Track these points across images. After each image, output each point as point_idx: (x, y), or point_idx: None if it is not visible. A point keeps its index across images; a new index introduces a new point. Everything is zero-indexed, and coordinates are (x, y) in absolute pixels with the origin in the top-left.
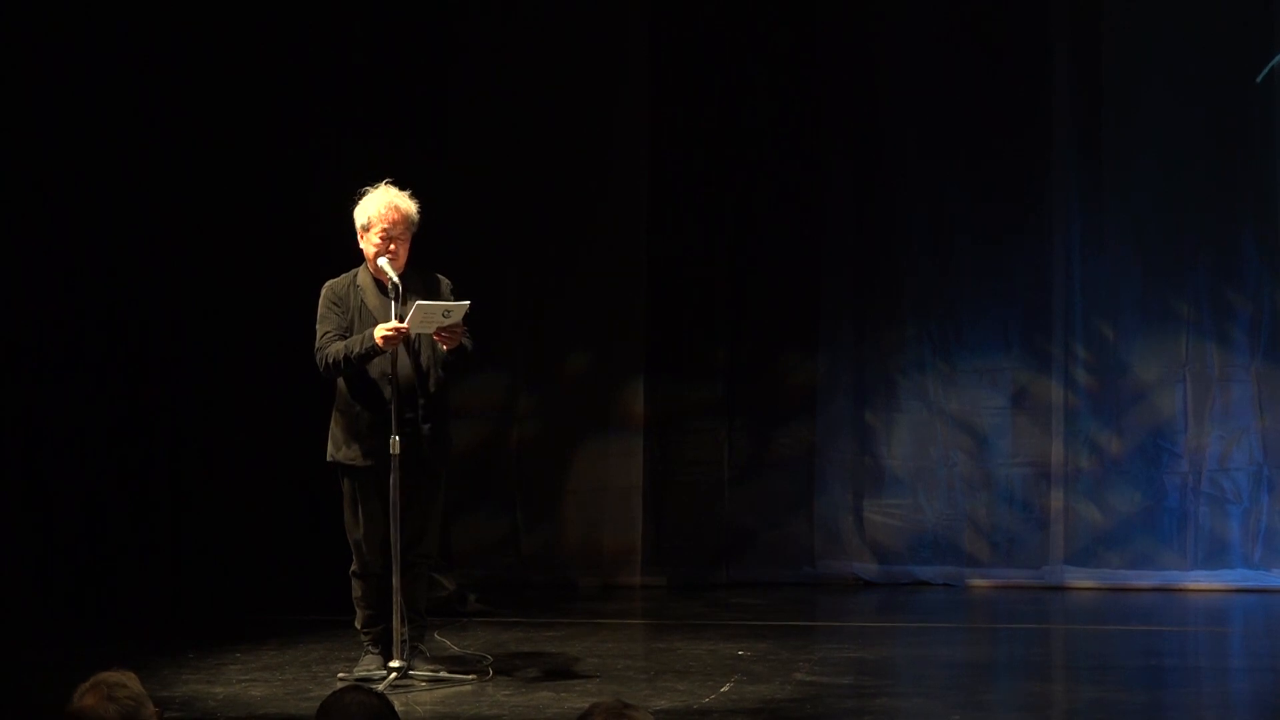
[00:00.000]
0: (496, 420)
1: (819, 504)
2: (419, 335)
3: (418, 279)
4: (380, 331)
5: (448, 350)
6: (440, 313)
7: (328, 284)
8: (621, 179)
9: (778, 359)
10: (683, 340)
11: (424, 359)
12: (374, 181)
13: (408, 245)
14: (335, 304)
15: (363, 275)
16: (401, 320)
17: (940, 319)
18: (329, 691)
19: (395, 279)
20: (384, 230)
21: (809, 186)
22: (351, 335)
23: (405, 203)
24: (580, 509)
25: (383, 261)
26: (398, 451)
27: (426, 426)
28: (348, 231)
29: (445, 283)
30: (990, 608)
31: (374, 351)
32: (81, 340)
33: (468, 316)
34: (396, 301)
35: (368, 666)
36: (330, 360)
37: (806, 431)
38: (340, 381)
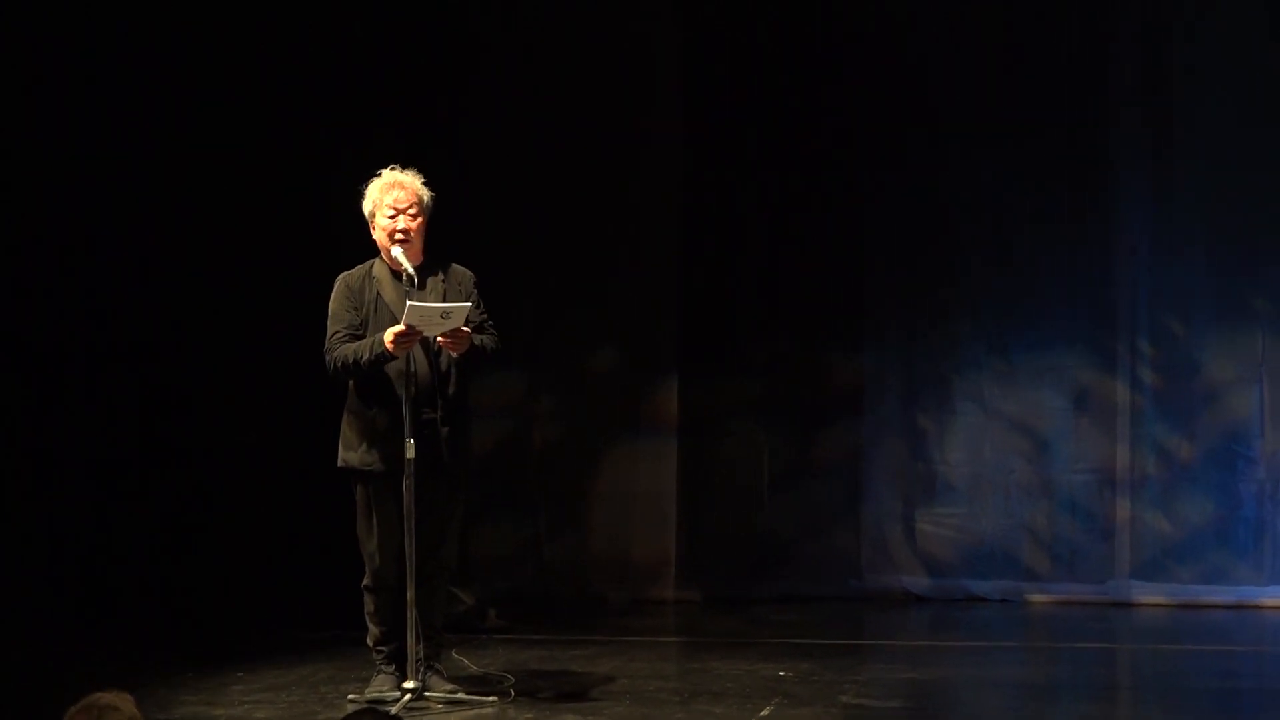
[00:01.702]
0: (516, 421)
1: (866, 512)
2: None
3: (437, 269)
4: (390, 336)
5: (456, 352)
6: (438, 314)
7: (341, 277)
8: (653, 165)
9: (821, 356)
10: (719, 335)
11: (443, 358)
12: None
13: (422, 227)
14: (348, 299)
15: (378, 267)
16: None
17: (996, 314)
18: (339, 714)
19: (410, 269)
20: (391, 206)
21: (852, 173)
22: (366, 331)
23: (411, 178)
24: (608, 517)
25: (397, 251)
26: (413, 455)
27: (445, 429)
28: (361, 232)
29: (467, 274)
30: (1051, 625)
31: (385, 357)
32: (76, 343)
33: (490, 307)
34: (414, 292)
35: (380, 687)
36: (340, 364)
37: (852, 434)
38: (352, 384)
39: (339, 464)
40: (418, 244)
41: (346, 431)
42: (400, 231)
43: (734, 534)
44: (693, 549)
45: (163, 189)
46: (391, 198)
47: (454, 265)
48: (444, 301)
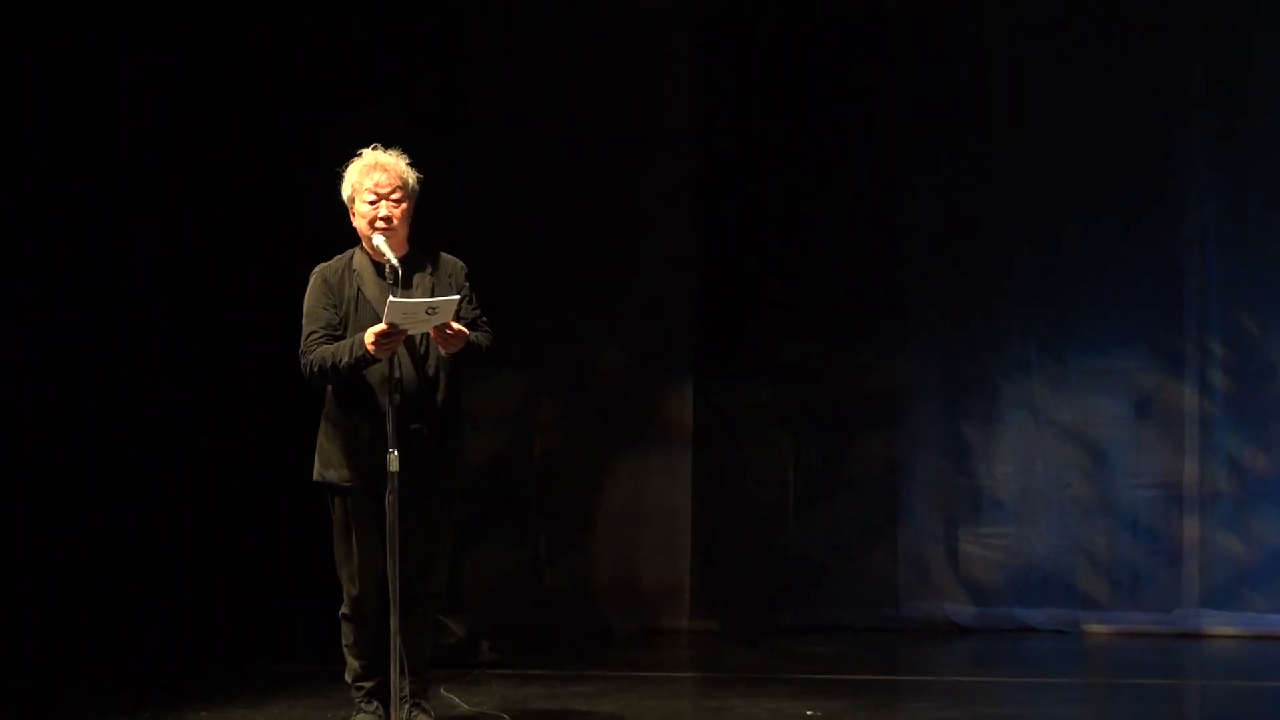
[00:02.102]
0: (514, 430)
1: (903, 532)
2: (425, 333)
3: (424, 260)
4: (370, 336)
5: (447, 351)
6: (423, 310)
7: (317, 270)
8: (665, 154)
9: (852, 358)
10: (739, 335)
11: (432, 360)
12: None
13: (406, 213)
14: (326, 295)
15: (359, 258)
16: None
17: (1048, 311)
18: None
19: (394, 260)
20: (372, 191)
21: (885, 162)
22: (346, 331)
23: (394, 160)
24: (615, 537)
25: (379, 240)
26: (397, 469)
27: (434, 440)
28: (343, 220)
29: (457, 265)
30: (1110, 659)
31: (366, 360)
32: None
33: (486, 302)
34: (396, 288)
35: None
36: (316, 367)
37: (887, 444)
38: (330, 389)
39: (315, 478)
40: (402, 232)
41: (324, 442)
42: (382, 219)
43: (756, 556)
44: (710, 573)
45: (135, 178)
46: (372, 181)
47: (443, 255)
48: (431, 294)
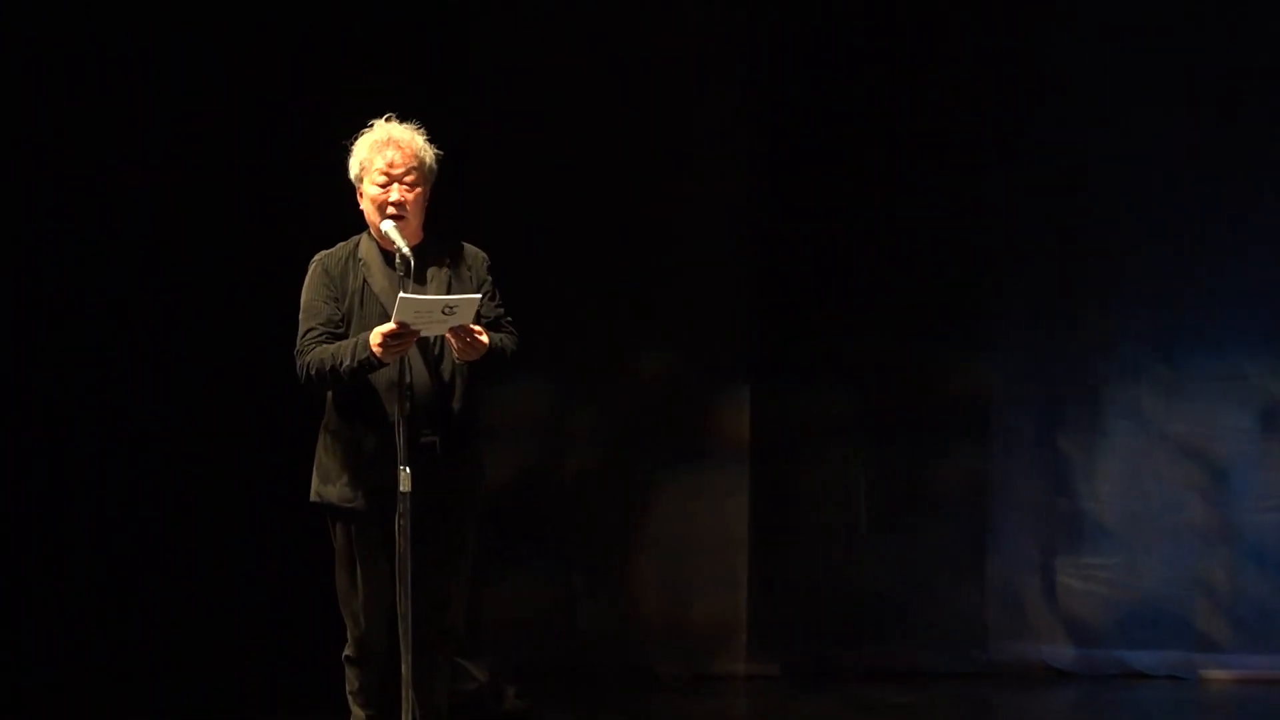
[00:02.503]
0: (543, 444)
1: (993, 563)
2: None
3: (441, 250)
4: (378, 337)
5: (464, 359)
6: (440, 308)
7: (317, 258)
8: (718, 127)
9: (934, 361)
10: (803, 335)
11: (446, 363)
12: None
13: (422, 197)
14: (326, 287)
15: (365, 245)
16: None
17: (1161, 309)
18: None
19: (405, 249)
20: (383, 172)
21: (971, 138)
22: (349, 329)
23: (409, 135)
24: (661, 568)
25: (388, 226)
26: (408, 489)
27: (450, 455)
28: (350, 202)
29: (479, 256)
30: (1232, 709)
31: (372, 363)
32: None
33: (510, 298)
34: (409, 280)
35: None
36: (314, 370)
37: (975, 461)
38: (331, 396)
39: (312, 498)
40: (416, 219)
41: (323, 458)
42: (394, 205)
43: (823, 589)
44: (770, 609)
45: (94, 144)
46: (384, 160)
47: (464, 245)
48: (449, 291)
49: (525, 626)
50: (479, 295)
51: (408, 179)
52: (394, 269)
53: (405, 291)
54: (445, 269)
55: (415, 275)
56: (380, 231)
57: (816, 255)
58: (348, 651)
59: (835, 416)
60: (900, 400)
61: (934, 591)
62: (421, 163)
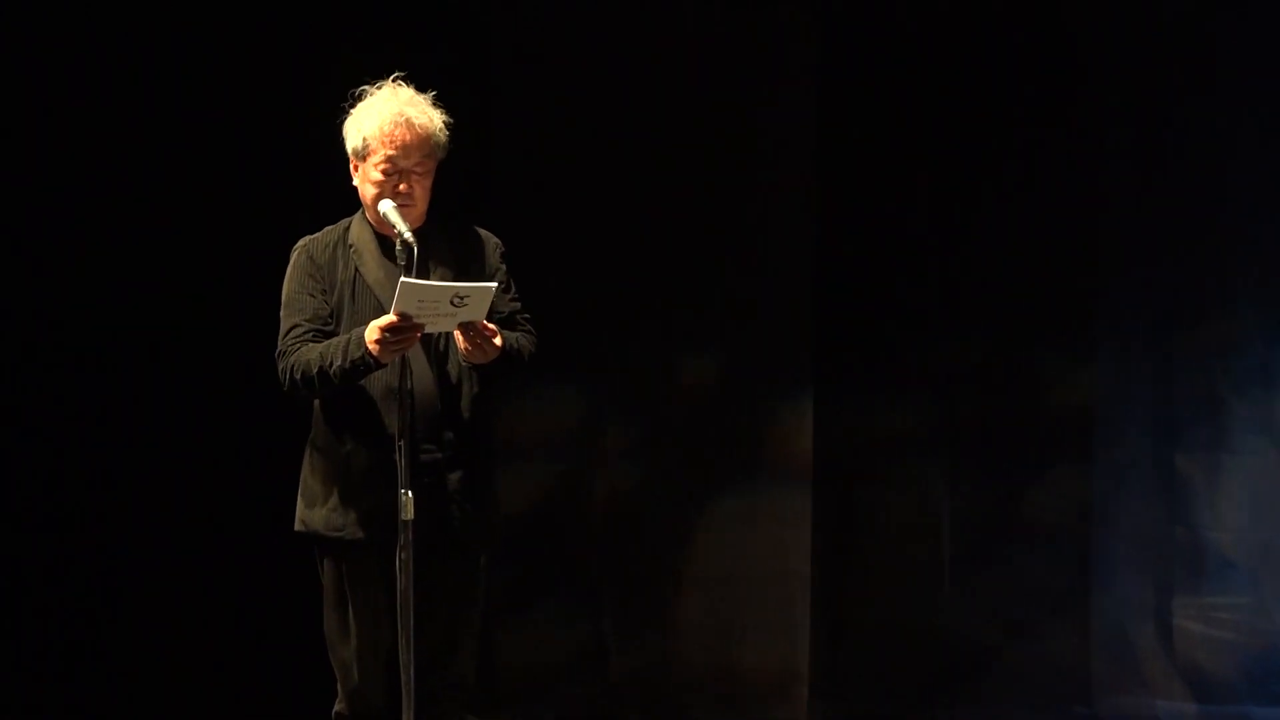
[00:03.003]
0: (570, 463)
1: (1099, 602)
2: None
3: (447, 235)
4: (374, 332)
5: (473, 362)
6: (447, 299)
7: (301, 244)
8: (780, 102)
9: (1030, 367)
10: (874, 338)
11: (452, 367)
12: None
13: (429, 181)
14: (312, 277)
15: (358, 229)
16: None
17: None
18: None
19: (407, 234)
20: (388, 159)
21: (1072, 117)
22: (339, 326)
23: (423, 113)
24: (708, 608)
25: (386, 207)
26: (410, 516)
27: (457, 475)
28: (344, 178)
29: (492, 242)
30: None
31: (365, 364)
32: None
33: (528, 291)
34: (410, 271)
35: None
36: (298, 374)
37: (1077, 483)
38: (318, 404)
39: (296, 527)
40: (423, 204)
41: (309, 480)
42: (401, 196)
43: (898, 633)
44: (836, 656)
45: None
46: (393, 144)
47: (474, 230)
48: (456, 281)
49: (548, 677)
50: (494, 284)
51: (419, 168)
52: (391, 259)
53: (406, 278)
54: (452, 255)
55: (417, 265)
56: (377, 214)
57: (892, 246)
58: (338, 707)
59: (913, 431)
60: (990, 413)
61: (1028, 635)
62: (435, 145)
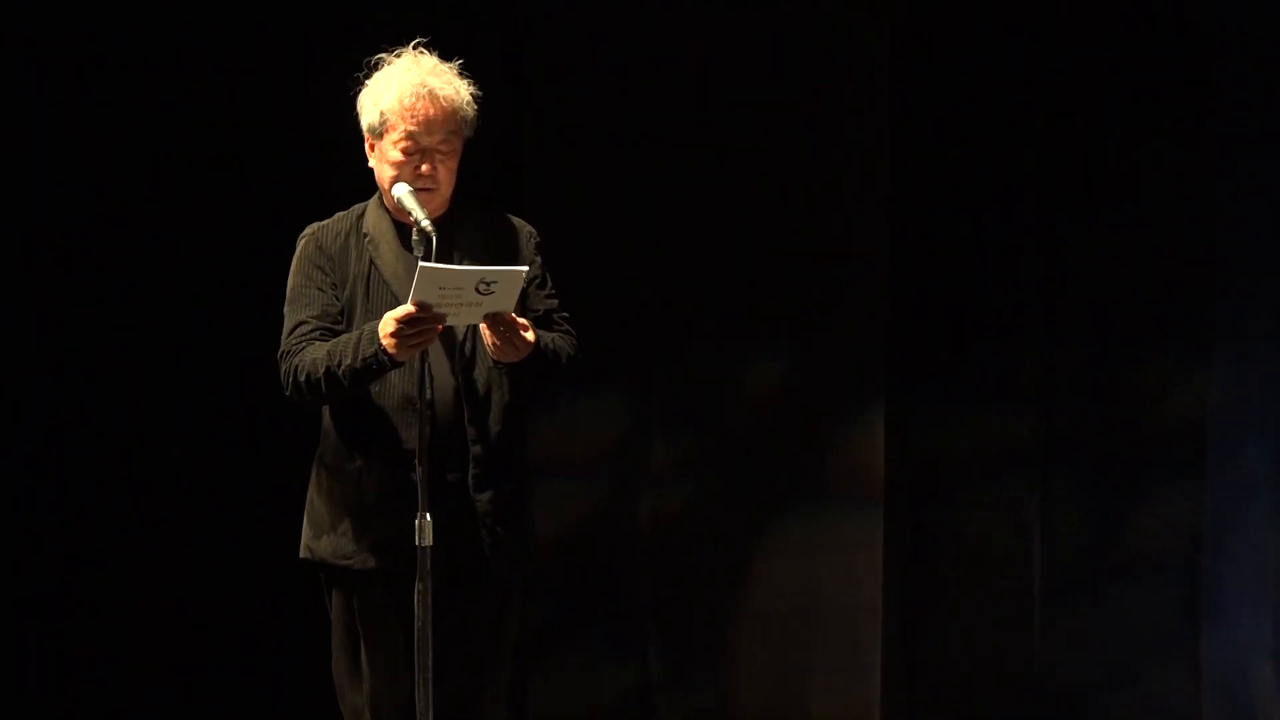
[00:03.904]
0: (612, 483)
1: (1212, 640)
2: (470, 329)
3: (474, 223)
4: (389, 325)
5: (502, 360)
6: (472, 285)
7: (309, 231)
8: (854, 84)
9: (1134, 376)
10: (957, 342)
11: (480, 373)
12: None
13: (454, 161)
14: (320, 269)
15: (373, 216)
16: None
17: None
18: None
19: (425, 222)
20: (408, 135)
21: (1193, 100)
22: (351, 324)
23: (448, 84)
24: (768, 646)
25: (401, 191)
26: (429, 543)
27: (485, 497)
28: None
29: (525, 230)
30: None
31: (379, 363)
32: None
33: (566, 287)
34: (430, 260)
35: None
36: (303, 376)
37: (1189, 506)
38: (327, 416)
39: (302, 554)
40: (447, 187)
41: (316, 501)
42: (424, 177)
43: (983, 675)
44: (912, 699)
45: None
46: (415, 119)
47: (506, 217)
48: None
49: None
50: (525, 268)
51: (444, 147)
52: (409, 249)
53: (426, 262)
54: (480, 245)
55: (438, 258)
56: (394, 200)
57: (979, 243)
58: None
59: (1000, 448)
60: (1089, 427)
61: (1133, 677)
62: (463, 121)
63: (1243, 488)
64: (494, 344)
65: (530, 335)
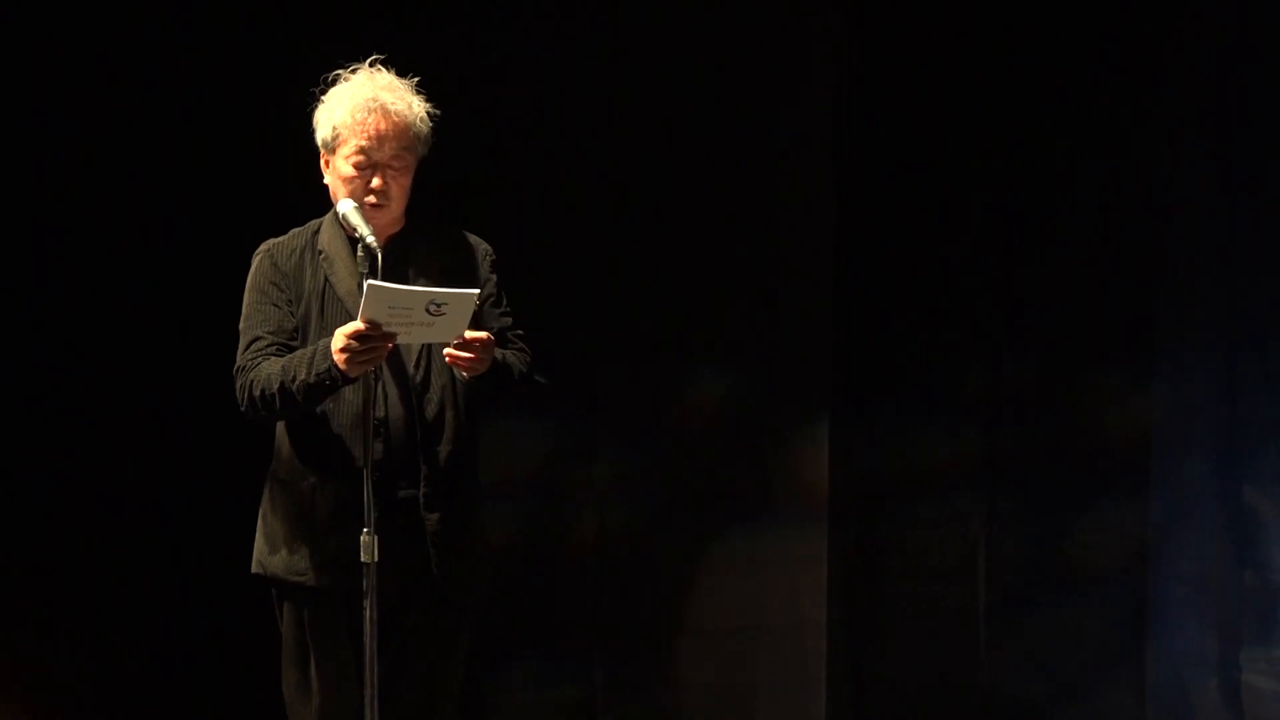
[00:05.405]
0: (558, 499)
1: (1156, 654)
2: (425, 347)
3: (428, 242)
4: (339, 341)
5: (470, 377)
6: (423, 305)
7: (264, 248)
8: (801, 100)
9: (1079, 392)
10: (900, 357)
11: (434, 391)
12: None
13: (407, 179)
14: (276, 285)
15: (328, 233)
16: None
17: None
18: None
19: (370, 238)
20: (359, 150)
21: (1141, 112)
22: (306, 341)
23: (401, 99)
24: (713, 663)
25: (345, 207)
26: (375, 559)
27: (436, 516)
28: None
29: (480, 248)
30: None
31: (332, 379)
32: None
33: (519, 303)
34: (375, 278)
35: None
36: (258, 391)
37: (1132, 520)
38: (281, 432)
39: (253, 569)
40: (399, 204)
41: (269, 517)
42: (375, 193)
43: (929, 690)
44: (860, 714)
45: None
46: (366, 134)
47: (462, 235)
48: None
49: None
50: (475, 290)
51: (396, 162)
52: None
53: (372, 280)
54: (436, 266)
55: (394, 276)
56: (343, 216)
57: (923, 256)
58: None
59: (946, 463)
60: (1034, 443)
61: (1078, 691)
62: (416, 137)
63: (1187, 502)
64: (468, 360)
65: (489, 346)
